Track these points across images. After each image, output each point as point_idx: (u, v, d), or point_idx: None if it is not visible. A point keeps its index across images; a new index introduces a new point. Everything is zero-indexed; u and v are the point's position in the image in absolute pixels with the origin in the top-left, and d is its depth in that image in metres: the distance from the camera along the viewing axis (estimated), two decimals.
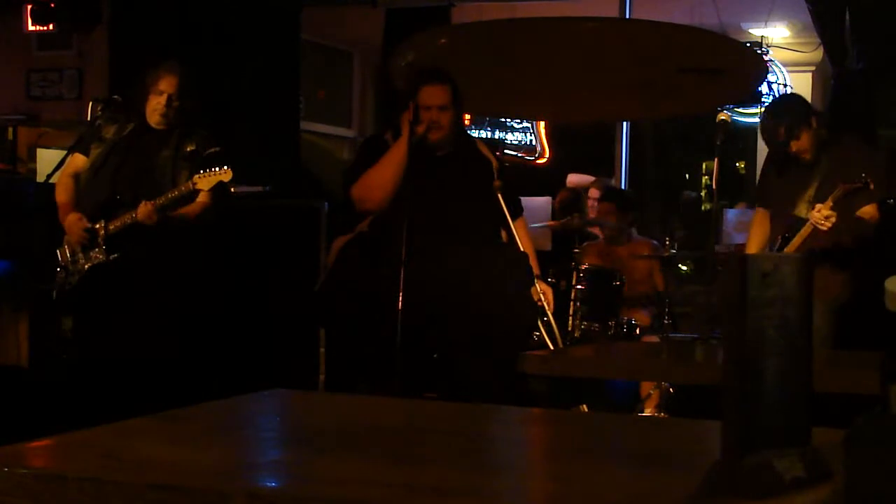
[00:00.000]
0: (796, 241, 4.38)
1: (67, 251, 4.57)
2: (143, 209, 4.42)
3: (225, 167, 4.41)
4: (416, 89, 4.11)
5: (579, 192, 7.53)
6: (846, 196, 4.19)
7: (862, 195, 4.20)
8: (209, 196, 4.49)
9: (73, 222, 4.53)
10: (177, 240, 4.52)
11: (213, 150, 4.64)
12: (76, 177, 4.65)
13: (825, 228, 4.26)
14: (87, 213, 4.54)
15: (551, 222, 6.52)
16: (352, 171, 4.25)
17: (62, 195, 4.63)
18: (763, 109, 5.03)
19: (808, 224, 4.33)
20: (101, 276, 4.51)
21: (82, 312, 4.63)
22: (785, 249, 4.39)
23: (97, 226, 4.50)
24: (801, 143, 4.45)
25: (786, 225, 4.49)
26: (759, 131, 5.22)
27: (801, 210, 4.46)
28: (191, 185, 4.42)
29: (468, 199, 4.09)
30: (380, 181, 4.06)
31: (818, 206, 4.28)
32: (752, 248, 4.78)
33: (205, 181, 4.40)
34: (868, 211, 4.30)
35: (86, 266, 4.52)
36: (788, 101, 4.96)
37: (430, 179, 4.03)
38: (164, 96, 4.57)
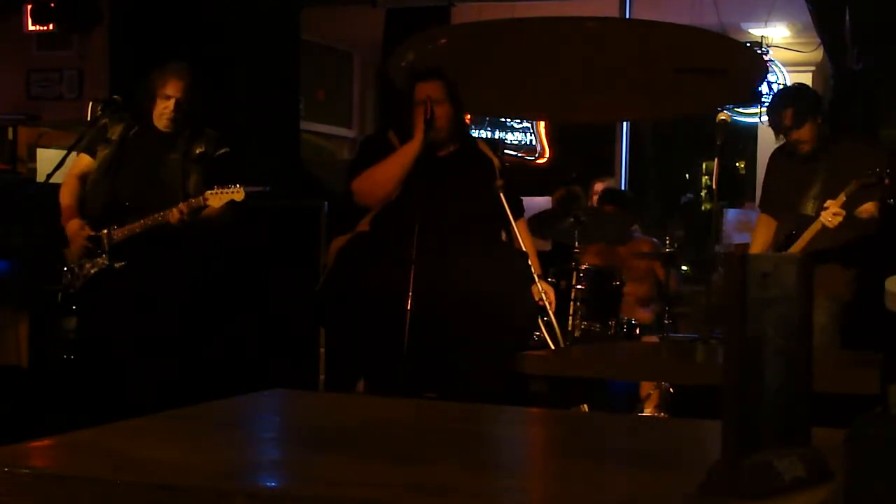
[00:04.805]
0: (804, 238, 4.33)
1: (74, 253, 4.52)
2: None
3: (238, 186, 4.32)
4: (411, 87, 4.13)
5: (577, 192, 7.53)
6: (860, 190, 4.17)
7: (873, 191, 4.17)
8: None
9: (76, 231, 4.44)
10: (180, 242, 4.48)
11: (222, 151, 4.59)
12: (82, 178, 4.55)
13: (832, 226, 4.22)
14: (93, 216, 4.47)
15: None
16: (356, 164, 4.27)
17: (67, 197, 4.53)
18: (774, 94, 5.02)
19: (817, 222, 4.27)
20: (105, 280, 4.46)
21: (85, 314, 4.60)
22: (791, 247, 4.33)
23: (102, 232, 4.43)
24: (803, 133, 4.47)
25: (793, 222, 4.45)
26: (764, 117, 5.22)
27: (808, 207, 4.42)
28: (202, 201, 4.34)
29: (469, 199, 4.09)
30: (386, 177, 4.08)
31: (829, 202, 4.23)
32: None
33: (216, 198, 4.32)
34: (868, 209, 4.27)
35: (91, 271, 4.46)
36: (800, 90, 4.97)
37: (431, 179, 4.04)
38: (172, 101, 4.47)
